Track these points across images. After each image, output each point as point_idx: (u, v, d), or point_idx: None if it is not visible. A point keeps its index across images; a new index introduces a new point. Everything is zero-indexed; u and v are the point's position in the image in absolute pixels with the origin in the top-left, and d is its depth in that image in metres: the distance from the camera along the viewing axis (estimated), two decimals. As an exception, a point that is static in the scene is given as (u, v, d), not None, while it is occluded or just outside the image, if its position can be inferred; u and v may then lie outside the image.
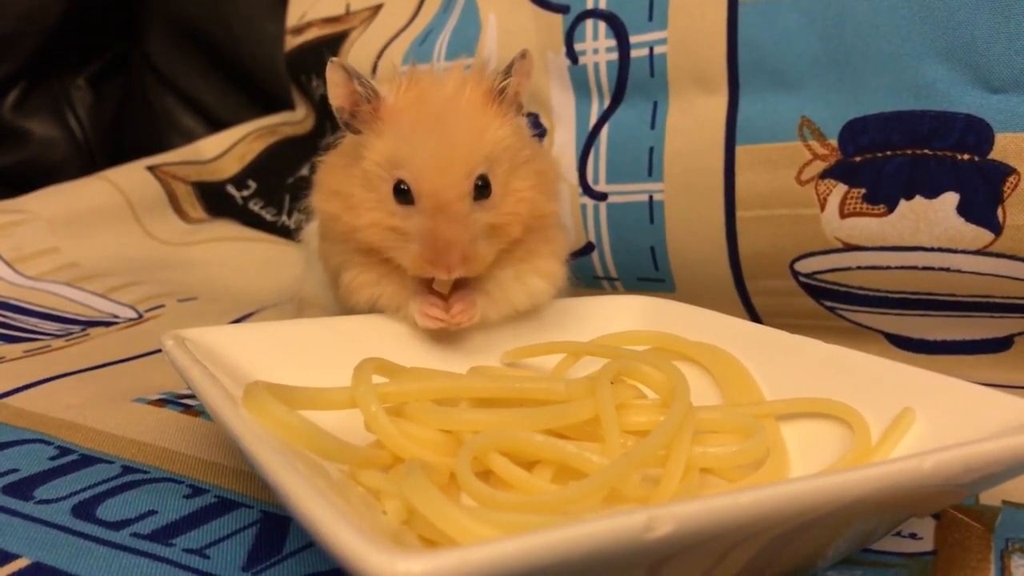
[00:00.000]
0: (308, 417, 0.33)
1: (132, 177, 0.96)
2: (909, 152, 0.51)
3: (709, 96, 0.58)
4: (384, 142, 0.44)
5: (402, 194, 0.43)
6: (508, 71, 0.45)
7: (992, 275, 0.51)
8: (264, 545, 0.35)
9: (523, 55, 0.45)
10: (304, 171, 0.99)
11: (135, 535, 0.35)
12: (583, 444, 0.35)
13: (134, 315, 0.73)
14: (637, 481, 0.33)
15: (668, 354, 0.46)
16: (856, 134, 0.53)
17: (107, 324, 0.70)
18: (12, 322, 0.69)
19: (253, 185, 1.02)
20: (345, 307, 0.50)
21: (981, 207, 0.50)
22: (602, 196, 0.64)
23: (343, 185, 0.46)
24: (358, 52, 0.82)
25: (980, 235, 0.50)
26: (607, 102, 0.64)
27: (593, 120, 0.64)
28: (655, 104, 0.61)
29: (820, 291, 0.57)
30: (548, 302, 0.50)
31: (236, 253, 0.93)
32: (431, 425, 0.36)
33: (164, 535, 0.35)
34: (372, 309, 0.48)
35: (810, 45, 0.54)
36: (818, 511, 0.25)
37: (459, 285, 0.47)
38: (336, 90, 0.45)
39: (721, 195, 0.58)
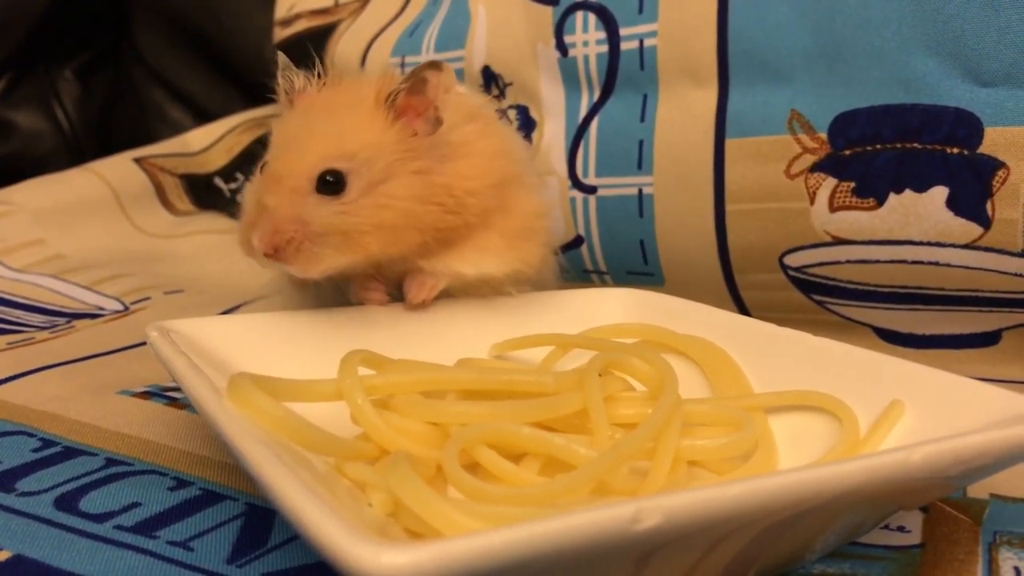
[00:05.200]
0: (293, 409, 0.33)
1: (119, 169, 0.95)
2: (899, 146, 0.51)
3: (699, 89, 0.58)
4: (276, 126, 0.45)
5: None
6: (406, 82, 0.43)
7: (981, 269, 0.51)
8: (249, 538, 0.34)
9: (438, 67, 0.43)
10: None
11: (118, 527, 0.35)
12: (571, 437, 0.34)
13: (120, 307, 0.72)
14: (625, 474, 0.33)
15: (657, 347, 0.46)
16: (846, 127, 0.53)
17: (93, 316, 0.69)
18: (-3, 314, 0.69)
19: (241, 178, 1.01)
20: (295, 282, 0.51)
21: (970, 201, 0.50)
22: (592, 189, 0.64)
23: None
24: (347, 44, 0.81)
25: (969, 229, 0.50)
26: (597, 95, 0.63)
27: (583, 113, 0.64)
28: (645, 97, 0.61)
29: (809, 285, 0.57)
30: (500, 274, 0.49)
31: (223, 246, 0.92)
32: (418, 417, 0.36)
33: (148, 527, 0.35)
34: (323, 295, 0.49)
35: (800, 38, 0.54)
36: (806, 503, 0.25)
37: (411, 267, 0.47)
38: (281, 73, 0.47)
39: (711, 189, 0.58)
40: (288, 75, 0.46)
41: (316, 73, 0.46)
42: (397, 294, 0.49)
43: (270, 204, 0.42)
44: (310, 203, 0.42)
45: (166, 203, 0.97)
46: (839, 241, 0.54)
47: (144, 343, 0.54)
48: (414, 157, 0.44)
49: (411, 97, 0.44)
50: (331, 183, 0.42)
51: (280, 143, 0.44)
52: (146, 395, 0.49)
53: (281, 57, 0.46)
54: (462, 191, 0.45)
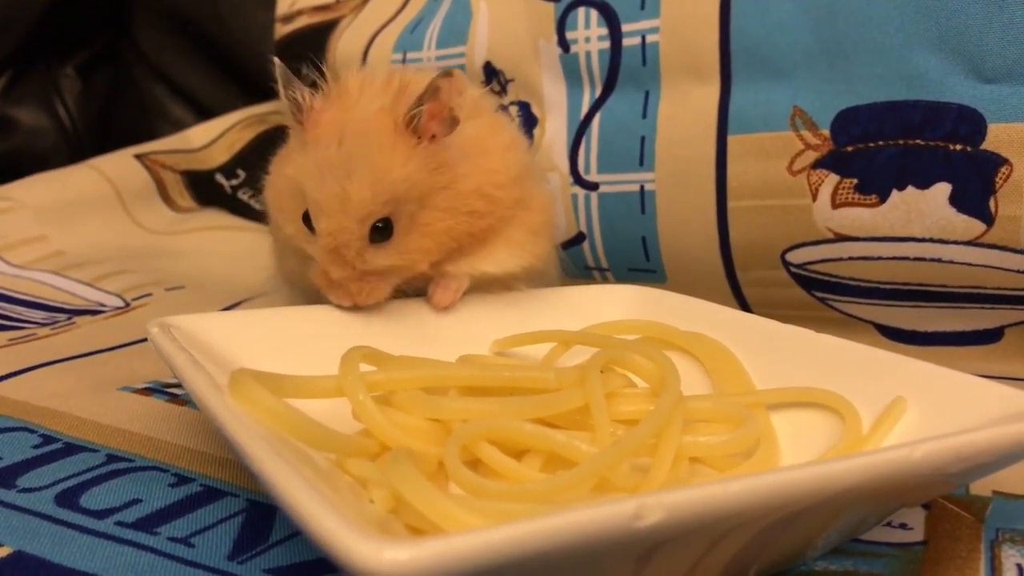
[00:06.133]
0: (295, 405, 0.33)
1: (120, 165, 0.95)
2: (901, 142, 0.51)
3: (701, 85, 0.58)
4: (301, 159, 0.45)
5: (308, 223, 0.44)
6: (422, 99, 0.43)
7: (983, 266, 0.51)
8: (250, 534, 0.34)
9: (448, 74, 0.43)
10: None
11: (119, 524, 0.35)
12: (572, 433, 0.34)
13: (121, 304, 0.72)
14: (626, 470, 0.33)
15: (658, 343, 0.46)
16: (848, 124, 0.53)
17: (94, 313, 0.69)
18: (-2, 310, 0.69)
19: (242, 174, 1.01)
20: (285, 281, 0.53)
21: (973, 198, 0.50)
22: (593, 186, 0.63)
23: (279, 176, 0.47)
24: (348, 40, 0.81)
25: (972, 226, 0.50)
26: (599, 91, 0.63)
27: (585, 109, 0.64)
28: (647, 93, 0.61)
29: (811, 282, 0.57)
30: (519, 271, 0.49)
31: (224, 242, 0.92)
32: (419, 414, 0.36)
33: (149, 524, 0.35)
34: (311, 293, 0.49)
35: (802, 35, 0.54)
36: (808, 500, 0.25)
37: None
38: (284, 90, 0.46)
39: (713, 185, 0.58)
40: (292, 93, 0.45)
41: (317, 84, 0.45)
42: (408, 292, 0.49)
43: (336, 277, 0.44)
44: (367, 257, 0.44)
45: (167, 199, 0.97)
46: (841, 238, 0.54)
47: (145, 339, 0.54)
48: (441, 171, 0.45)
49: (427, 106, 0.44)
50: (380, 229, 0.44)
51: (315, 197, 0.43)
52: (147, 391, 0.49)
53: (279, 67, 0.45)
54: (491, 186, 0.46)
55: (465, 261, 0.48)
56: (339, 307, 0.46)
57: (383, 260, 0.45)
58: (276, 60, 0.45)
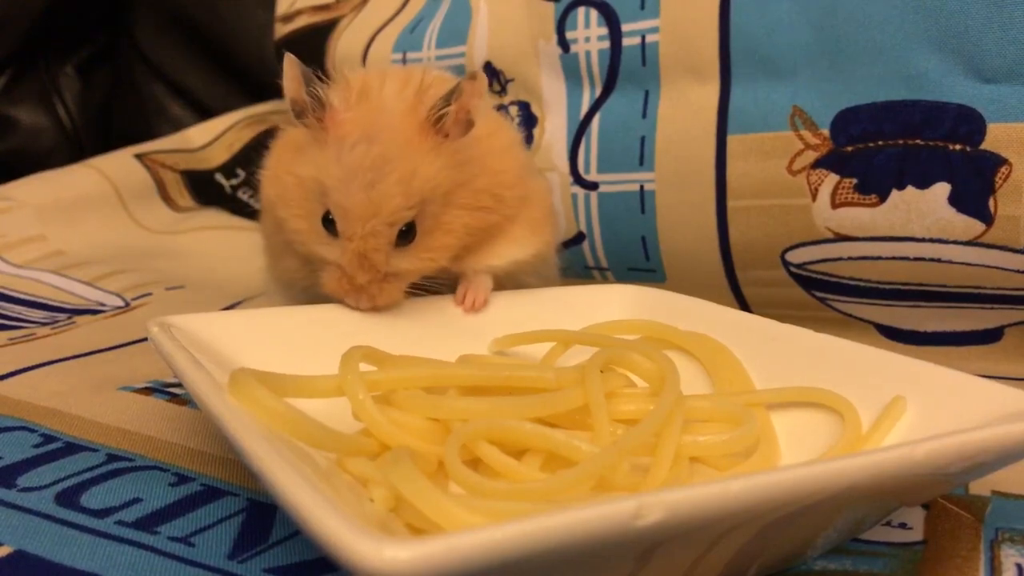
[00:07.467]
0: (295, 405, 0.33)
1: (120, 165, 0.95)
2: (901, 142, 0.51)
3: (701, 85, 0.58)
4: (322, 158, 0.43)
5: (329, 224, 0.44)
6: (448, 98, 0.43)
7: (983, 266, 0.51)
8: (250, 533, 0.34)
9: (473, 77, 0.43)
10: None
11: (120, 523, 0.35)
12: (572, 432, 0.34)
13: (121, 303, 0.72)
14: (626, 469, 0.33)
15: (658, 343, 0.46)
16: (848, 124, 0.53)
17: (93, 312, 0.69)
18: (-2, 310, 0.69)
19: (242, 174, 1.01)
20: (279, 282, 0.53)
21: (973, 198, 0.50)
22: (593, 186, 0.64)
23: (284, 175, 0.46)
24: (347, 40, 0.81)
25: (971, 226, 0.50)
26: (599, 91, 0.63)
27: (584, 109, 0.64)
28: (647, 93, 0.61)
29: (811, 282, 0.57)
30: (529, 261, 0.50)
31: (224, 242, 0.92)
32: (419, 413, 0.36)
33: (149, 523, 0.35)
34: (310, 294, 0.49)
35: (802, 34, 0.54)
36: (808, 499, 0.25)
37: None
38: (291, 84, 0.44)
39: (712, 185, 0.58)
40: (314, 90, 0.43)
41: (325, 82, 0.44)
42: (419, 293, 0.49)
43: (362, 281, 0.44)
44: (393, 260, 0.45)
45: (167, 199, 0.97)
46: (841, 238, 0.54)
47: (145, 339, 0.54)
48: (461, 168, 0.45)
49: (453, 107, 0.44)
50: (404, 232, 0.44)
51: (343, 203, 0.43)
52: (147, 391, 0.49)
53: (295, 64, 0.43)
54: (500, 186, 0.47)
55: (473, 259, 0.48)
56: (356, 309, 0.46)
57: (406, 263, 0.45)
58: (289, 56, 0.43)
